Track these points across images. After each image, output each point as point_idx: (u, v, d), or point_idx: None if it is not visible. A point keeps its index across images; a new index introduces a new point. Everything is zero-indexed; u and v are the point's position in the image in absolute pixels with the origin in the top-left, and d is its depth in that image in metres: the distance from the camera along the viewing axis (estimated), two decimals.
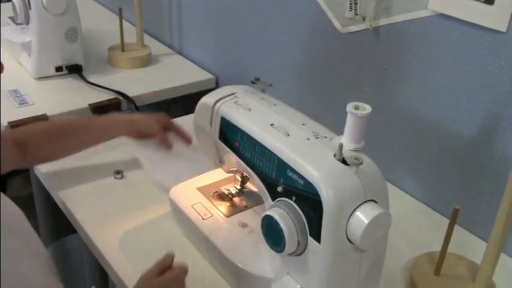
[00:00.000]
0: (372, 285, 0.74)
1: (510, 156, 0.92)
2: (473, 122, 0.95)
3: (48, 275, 0.67)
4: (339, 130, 0.72)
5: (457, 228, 0.90)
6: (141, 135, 1.07)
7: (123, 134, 1.06)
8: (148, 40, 1.71)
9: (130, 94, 1.40)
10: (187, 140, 1.10)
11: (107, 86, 1.40)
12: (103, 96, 1.38)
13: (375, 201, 0.66)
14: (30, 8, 1.37)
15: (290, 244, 0.67)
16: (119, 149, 1.19)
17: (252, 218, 0.87)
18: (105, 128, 1.05)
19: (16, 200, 0.74)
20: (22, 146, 0.94)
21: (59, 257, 1.44)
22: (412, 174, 1.10)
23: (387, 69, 1.07)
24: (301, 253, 0.69)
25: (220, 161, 0.89)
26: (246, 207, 0.90)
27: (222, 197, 0.92)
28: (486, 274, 0.83)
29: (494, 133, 0.93)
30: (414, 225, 1.03)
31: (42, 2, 1.34)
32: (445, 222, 0.85)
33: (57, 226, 1.43)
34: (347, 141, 0.68)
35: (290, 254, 0.69)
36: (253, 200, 0.91)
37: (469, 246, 0.97)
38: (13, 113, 1.25)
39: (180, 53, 1.71)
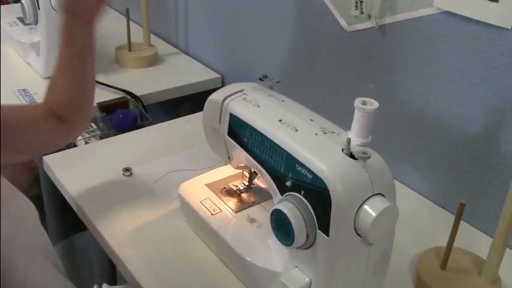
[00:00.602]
0: (379, 279, 0.75)
1: None
2: (478, 119, 0.96)
3: (56, 272, 0.68)
4: (346, 126, 0.74)
5: (463, 224, 0.91)
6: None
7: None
8: (154, 40, 1.73)
9: (137, 93, 1.41)
10: None
11: (115, 85, 1.42)
12: (110, 95, 1.39)
13: (383, 195, 0.67)
14: (38, 9, 1.39)
15: (299, 238, 0.68)
16: (127, 146, 1.20)
17: (260, 213, 0.88)
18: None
19: None
20: (62, 118, 0.86)
21: (67, 255, 1.45)
22: (418, 171, 1.11)
23: (393, 67, 1.08)
24: (310, 246, 0.70)
25: (229, 157, 0.90)
26: (254, 203, 0.91)
27: (230, 193, 0.94)
28: (492, 268, 0.84)
29: (499, 129, 0.94)
30: (420, 221, 1.04)
31: (50, 2, 1.36)
32: (451, 218, 0.86)
33: (65, 224, 1.44)
34: (355, 136, 0.70)
35: (299, 248, 0.70)
36: (261, 195, 0.93)
37: (475, 241, 0.97)
38: None
39: (186, 53, 1.73)
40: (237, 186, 0.95)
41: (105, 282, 1.07)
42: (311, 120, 0.76)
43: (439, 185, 1.08)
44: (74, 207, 1.03)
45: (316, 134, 0.72)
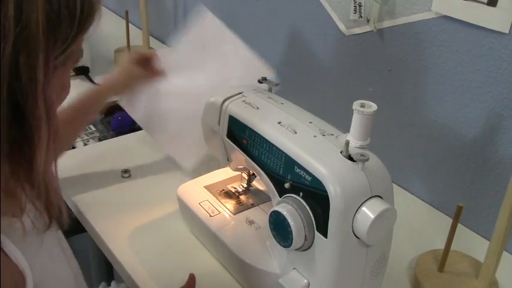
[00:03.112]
0: (377, 281, 0.75)
1: None
2: (476, 122, 0.97)
3: (73, 268, 0.69)
4: (344, 129, 0.74)
5: (460, 227, 0.91)
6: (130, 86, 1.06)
7: (117, 93, 1.07)
8: (154, 43, 1.73)
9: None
10: (160, 73, 1.07)
11: None
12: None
13: (381, 197, 0.68)
14: None
15: (297, 239, 0.69)
16: (126, 148, 1.20)
17: (259, 215, 0.89)
18: (101, 98, 1.03)
19: None
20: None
21: None
22: (416, 174, 1.12)
23: (391, 70, 1.08)
24: (308, 248, 0.70)
25: (228, 159, 0.90)
26: (252, 205, 0.91)
27: (229, 195, 0.94)
28: (489, 271, 0.84)
29: (497, 133, 0.94)
30: (418, 224, 1.04)
31: None
32: (449, 221, 0.86)
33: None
34: (353, 138, 0.70)
35: (297, 249, 0.71)
36: (260, 198, 0.93)
37: (472, 245, 0.98)
38: None
39: None
40: (235, 188, 0.96)
41: (104, 282, 1.07)
42: (310, 122, 0.76)
43: (436, 188, 1.08)
44: (73, 209, 1.03)
45: (315, 136, 0.73)
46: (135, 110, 1.09)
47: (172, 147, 1.09)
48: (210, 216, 0.88)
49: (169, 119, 1.08)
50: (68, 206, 1.05)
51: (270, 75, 0.93)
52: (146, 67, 1.06)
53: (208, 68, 1.06)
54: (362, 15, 1.08)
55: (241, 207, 0.91)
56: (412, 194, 1.13)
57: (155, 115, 1.09)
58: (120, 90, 1.06)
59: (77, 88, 1.40)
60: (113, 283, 1.03)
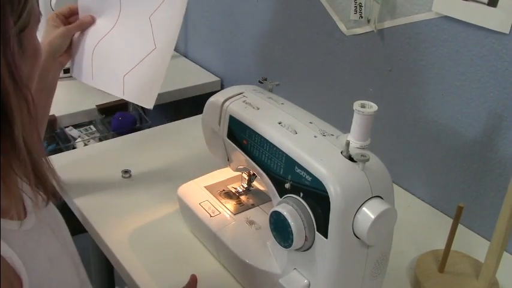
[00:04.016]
0: (377, 281, 0.75)
1: None
2: (476, 123, 0.97)
3: (81, 274, 0.69)
4: (345, 129, 0.74)
5: (461, 228, 0.91)
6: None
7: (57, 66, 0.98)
8: None
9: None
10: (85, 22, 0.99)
11: None
12: (109, 98, 1.39)
13: (381, 198, 0.68)
14: None
15: (298, 239, 0.69)
16: (126, 148, 1.21)
17: (259, 216, 0.89)
18: (45, 74, 0.95)
19: None
20: None
21: None
22: (416, 175, 1.12)
23: (392, 71, 1.08)
24: (309, 248, 0.70)
25: (228, 159, 0.90)
26: (252, 205, 0.91)
27: (229, 195, 0.94)
28: (490, 271, 0.84)
29: (497, 133, 0.94)
30: (418, 225, 1.04)
31: (51, 4, 1.36)
32: (449, 222, 0.86)
33: None
34: (354, 138, 0.70)
35: (297, 250, 0.71)
36: (260, 198, 0.93)
37: (473, 245, 0.98)
38: None
39: (185, 56, 1.73)
40: (236, 188, 0.96)
41: (118, 287, 1.07)
42: (310, 122, 0.76)
43: (437, 188, 1.08)
44: (73, 210, 1.03)
45: (315, 137, 0.73)
46: (79, 73, 1.03)
47: (129, 94, 0.99)
48: (211, 216, 0.88)
49: (109, 62, 1.01)
50: (68, 206, 1.05)
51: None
52: (67, 24, 0.98)
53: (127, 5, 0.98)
54: (362, 15, 1.08)
55: (241, 208, 0.91)
56: (412, 194, 1.13)
57: (96, 67, 1.02)
58: (57, 62, 0.96)
59: (78, 88, 1.42)
60: None
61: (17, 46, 0.50)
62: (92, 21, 1.00)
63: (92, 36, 1.01)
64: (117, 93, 0.99)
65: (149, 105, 0.96)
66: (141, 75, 0.97)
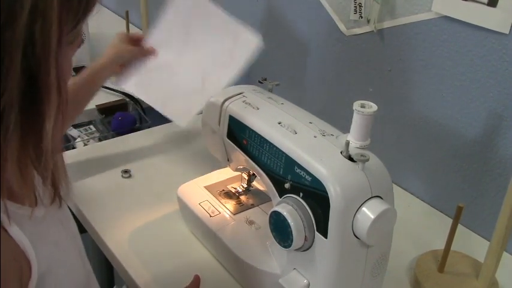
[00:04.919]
0: (377, 281, 0.75)
1: None
2: (476, 123, 0.97)
3: (86, 266, 0.70)
4: (344, 129, 0.74)
5: (460, 228, 0.91)
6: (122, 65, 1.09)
7: (110, 72, 1.08)
8: None
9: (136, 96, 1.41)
10: (149, 51, 1.09)
11: (113, 88, 1.42)
12: (110, 98, 1.40)
13: (381, 198, 0.68)
14: None
15: (297, 239, 0.69)
16: (126, 148, 1.21)
17: (259, 216, 0.89)
18: (99, 77, 1.06)
19: None
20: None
21: None
22: (416, 175, 1.12)
23: (392, 71, 1.08)
24: (308, 248, 0.70)
25: (228, 159, 0.90)
26: (252, 205, 0.91)
27: (229, 195, 0.94)
28: (489, 272, 0.84)
29: (497, 133, 0.94)
30: (418, 225, 1.04)
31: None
32: (449, 222, 0.86)
33: None
34: (353, 138, 0.70)
35: (297, 250, 0.71)
36: (260, 198, 0.93)
37: (473, 245, 0.98)
38: None
39: None
40: (235, 188, 0.96)
41: (116, 286, 1.07)
42: (310, 122, 0.76)
43: (437, 188, 1.08)
44: (73, 209, 1.03)
45: (315, 137, 0.73)
46: (126, 81, 1.08)
47: (167, 108, 1.05)
48: (210, 216, 0.88)
49: (162, 81, 1.08)
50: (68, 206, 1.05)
51: (257, 41, 0.99)
52: (134, 46, 1.09)
53: (196, 42, 1.07)
54: (362, 15, 1.08)
55: (241, 208, 0.91)
56: (412, 194, 1.13)
57: (147, 81, 1.09)
58: (113, 68, 1.07)
59: None
60: None
61: (62, 55, 0.51)
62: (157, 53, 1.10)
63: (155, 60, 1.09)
64: (157, 106, 1.05)
65: (182, 123, 1.01)
66: (187, 98, 1.02)
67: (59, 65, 0.50)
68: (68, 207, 0.94)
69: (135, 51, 1.08)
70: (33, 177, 0.54)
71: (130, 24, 1.58)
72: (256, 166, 0.79)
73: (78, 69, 1.45)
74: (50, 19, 0.47)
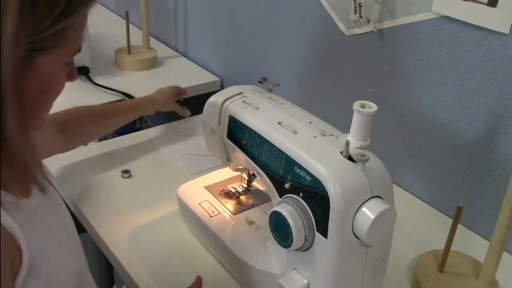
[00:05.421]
0: (377, 281, 0.75)
1: None
2: (476, 123, 0.97)
3: (80, 261, 0.70)
4: (344, 129, 0.74)
5: (461, 228, 0.91)
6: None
7: (145, 114, 1.25)
8: (154, 43, 1.73)
9: (136, 95, 1.41)
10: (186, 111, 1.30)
11: (114, 88, 1.42)
12: (110, 98, 1.40)
13: (381, 198, 0.68)
14: None
15: (297, 239, 0.69)
16: (126, 148, 1.20)
17: (259, 216, 0.89)
18: (130, 110, 1.17)
19: None
20: (64, 130, 1.01)
21: None
22: (416, 175, 1.12)
23: (391, 71, 1.08)
24: (308, 248, 0.70)
25: (228, 160, 0.90)
26: (252, 205, 0.91)
27: (229, 195, 0.94)
28: (489, 272, 0.84)
29: (497, 133, 0.94)
30: (418, 226, 1.04)
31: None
32: (449, 221, 0.86)
33: None
34: (353, 138, 0.70)
35: (297, 250, 0.71)
36: (260, 198, 0.93)
37: (473, 245, 0.98)
38: None
39: (185, 56, 1.73)
40: (235, 188, 0.96)
41: (116, 286, 1.08)
42: (310, 122, 0.76)
43: (437, 188, 1.08)
44: (73, 209, 1.03)
45: (315, 137, 0.73)
46: None
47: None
48: (210, 216, 0.88)
49: None
50: (67, 206, 1.05)
51: None
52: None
53: None
54: (362, 15, 1.08)
55: (241, 208, 0.91)
56: (412, 194, 1.13)
57: None
58: (149, 112, 1.22)
59: (78, 88, 1.42)
60: None
61: (30, 63, 0.50)
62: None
63: None
64: None
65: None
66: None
67: (15, 69, 0.48)
68: (68, 207, 0.94)
69: (176, 108, 1.27)
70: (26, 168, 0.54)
71: (130, 24, 1.58)
72: (256, 166, 0.79)
73: (78, 69, 1.45)
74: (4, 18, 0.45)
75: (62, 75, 0.58)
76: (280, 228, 0.70)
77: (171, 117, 1.36)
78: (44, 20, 0.49)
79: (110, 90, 1.42)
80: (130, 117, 1.17)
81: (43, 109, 0.60)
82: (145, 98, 1.23)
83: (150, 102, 1.21)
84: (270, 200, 0.82)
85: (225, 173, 0.98)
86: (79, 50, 0.58)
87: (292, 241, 0.69)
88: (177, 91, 1.29)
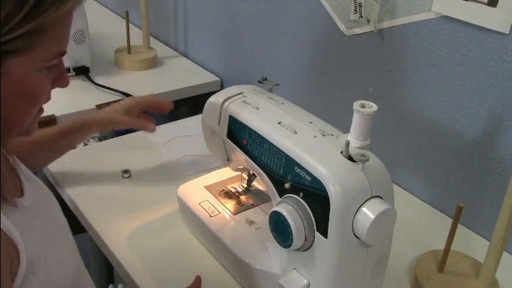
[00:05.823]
0: (377, 281, 0.75)
1: None
2: (476, 123, 0.97)
3: (77, 260, 0.70)
4: (344, 129, 0.74)
5: (461, 228, 0.91)
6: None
7: (99, 132, 1.10)
8: (154, 43, 1.73)
9: (136, 95, 1.41)
10: (168, 106, 1.09)
11: (114, 88, 1.42)
12: (110, 98, 1.40)
13: (381, 198, 0.68)
14: None
15: (297, 239, 0.69)
16: (126, 148, 1.20)
17: (259, 216, 0.89)
18: (85, 130, 1.03)
19: None
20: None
21: None
22: (416, 175, 1.12)
23: (391, 71, 1.08)
24: (308, 248, 0.70)
25: (228, 159, 0.90)
26: (252, 205, 0.91)
27: (229, 195, 0.94)
28: (489, 272, 0.84)
29: (497, 133, 0.94)
30: (418, 226, 1.04)
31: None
32: (449, 221, 0.86)
33: None
34: (353, 138, 0.70)
35: (297, 250, 0.71)
36: (260, 198, 0.93)
37: (473, 245, 0.98)
38: None
39: (185, 56, 1.73)
40: (235, 188, 0.96)
41: (112, 284, 1.08)
42: (310, 122, 0.76)
43: (437, 188, 1.08)
44: (73, 209, 1.03)
45: (315, 137, 0.73)
46: None
47: None
48: (210, 216, 0.88)
49: None
50: (67, 206, 1.05)
51: None
52: (138, 115, 1.07)
53: None
54: (362, 15, 1.08)
55: (241, 208, 0.91)
56: (412, 194, 1.13)
57: None
58: (104, 130, 1.07)
59: (78, 88, 1.42)
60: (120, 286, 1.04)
61: None
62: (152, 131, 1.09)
63: None
64: None
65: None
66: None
67: None
68: (68, 207, 0.94)
69: (131, 123, 1.06)
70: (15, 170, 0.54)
71: (130, 24, 1.58)
72: (256, 166, 0.79)
73: (78, 69, 1.45)
74: None
75: (40, 79, 0.55)
76: (280, 228, 0.70)
77: (171, 117, 1.36)
78: (9, 19, 0.47)
79: (109, 90, 1.42)
80: (85, 136, 1.07)
81: (25, 115, 0.57)
82: (90, 118, 1.04)
83: (94, 122, 1.03)
84: (270, 200, 0.82)
85: (225, 173, 0.98)
86: (62, 53, 0.55)
87: (292, 241, 0.68)
88: (141, 104, 1.07)
